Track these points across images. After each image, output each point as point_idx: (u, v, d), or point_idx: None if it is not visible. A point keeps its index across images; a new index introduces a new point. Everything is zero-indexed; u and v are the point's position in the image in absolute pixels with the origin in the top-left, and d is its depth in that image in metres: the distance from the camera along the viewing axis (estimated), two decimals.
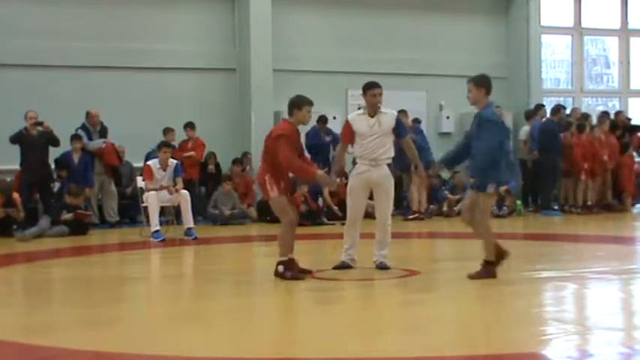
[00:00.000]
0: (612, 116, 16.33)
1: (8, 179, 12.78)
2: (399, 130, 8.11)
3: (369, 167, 7.96)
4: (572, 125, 15.01)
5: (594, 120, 15.95)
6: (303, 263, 7.95)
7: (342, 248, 8.15)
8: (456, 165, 8.22)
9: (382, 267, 7.98)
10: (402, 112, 14.60)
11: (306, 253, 8.56)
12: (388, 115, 8.08)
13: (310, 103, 7.66)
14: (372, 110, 8.00)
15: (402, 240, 11.11)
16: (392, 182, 8.07)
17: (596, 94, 19.18)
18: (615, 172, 15.36)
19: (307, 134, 14.49)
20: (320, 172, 7.85)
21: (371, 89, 8.04)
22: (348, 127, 8.08)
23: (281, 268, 7.52)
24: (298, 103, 7.62)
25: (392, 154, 8.10)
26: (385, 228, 8.01)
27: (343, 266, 8.07)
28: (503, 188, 14.28)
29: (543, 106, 15.90)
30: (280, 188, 7.56)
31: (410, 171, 14.62)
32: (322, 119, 14.80)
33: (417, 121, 14.76)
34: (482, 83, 7.45)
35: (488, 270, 7.40)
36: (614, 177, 15.36)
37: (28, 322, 6.13)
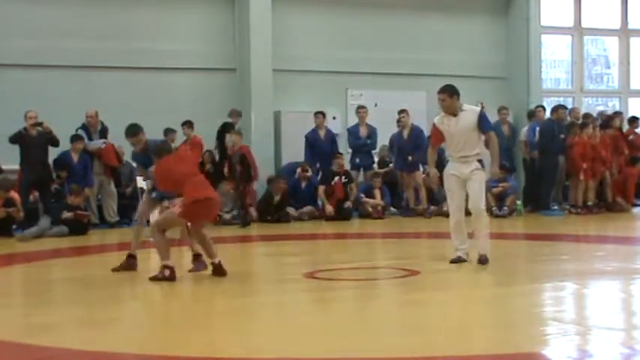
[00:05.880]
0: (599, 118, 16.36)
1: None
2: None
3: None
4: (575, 125, 14.96)
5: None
6: (303, 263, 7.96)
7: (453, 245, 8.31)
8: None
9: (480, 262, 8.07)
10: (404, 112, 14.69)
11: (306, 253, 8.56)
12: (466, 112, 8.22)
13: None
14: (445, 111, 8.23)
15: (401, 240, 11.12)
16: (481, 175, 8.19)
17: (596, 94, 19.15)
18: (618, 177, 15.34)
19: (307, 137, 14.56)
20: None
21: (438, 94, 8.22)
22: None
23: (167, 272, 7.62)
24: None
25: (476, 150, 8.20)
26: (476, 215, 8.12)
27: (459, 260, 8.20)
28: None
29: (542, 107, 15.89)
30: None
31: (409, 170, 14.69)
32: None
33: None
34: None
35: (129, 262, 8.31)
36: (614, 181, 15.32)
37: (28, 322, 6.13)
